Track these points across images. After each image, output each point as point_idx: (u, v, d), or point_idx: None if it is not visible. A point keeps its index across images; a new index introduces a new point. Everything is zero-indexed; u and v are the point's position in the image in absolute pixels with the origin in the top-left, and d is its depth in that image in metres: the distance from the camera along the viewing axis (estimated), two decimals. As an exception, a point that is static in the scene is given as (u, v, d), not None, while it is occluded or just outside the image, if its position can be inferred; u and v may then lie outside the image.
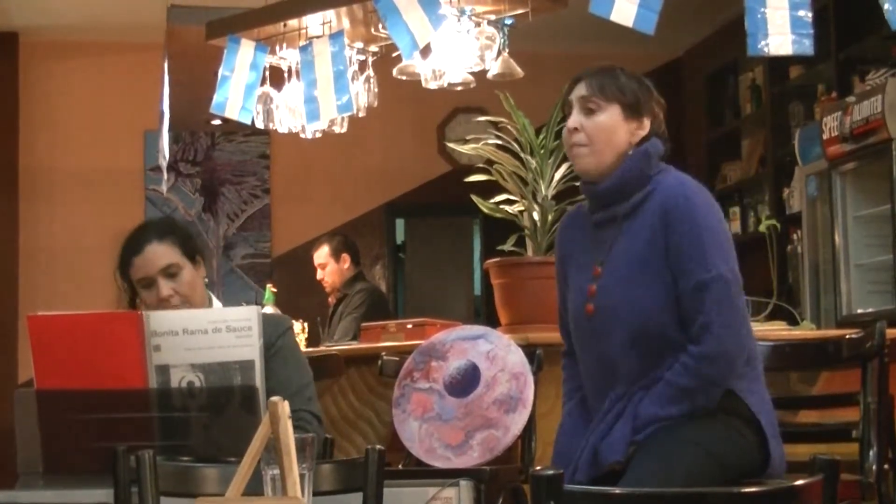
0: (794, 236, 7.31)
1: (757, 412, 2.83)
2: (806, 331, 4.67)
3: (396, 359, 3.64)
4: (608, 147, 2.92)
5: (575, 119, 2.96)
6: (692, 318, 2.78)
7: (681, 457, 2.73)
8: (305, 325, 6.02)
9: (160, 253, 3.05)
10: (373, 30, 5.47)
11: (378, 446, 2.46)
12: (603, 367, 2.89)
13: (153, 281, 3.04)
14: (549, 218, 4.36)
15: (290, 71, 5.65)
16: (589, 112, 2.94)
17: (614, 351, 2.85)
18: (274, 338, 2.98)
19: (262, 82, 5.51)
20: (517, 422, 3.30)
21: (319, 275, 6.82)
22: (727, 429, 2.81)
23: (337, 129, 5.85)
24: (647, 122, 2.95)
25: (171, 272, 3.05)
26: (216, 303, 3.16)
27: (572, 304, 2.99)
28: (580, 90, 2.97)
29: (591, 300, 2.91)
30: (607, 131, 2.93)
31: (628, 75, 2.99)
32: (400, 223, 9.91)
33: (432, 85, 5.47)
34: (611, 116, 2.93)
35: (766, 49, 3.80)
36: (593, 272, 2.92)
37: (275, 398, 1.90)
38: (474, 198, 4.59)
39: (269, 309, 6.10)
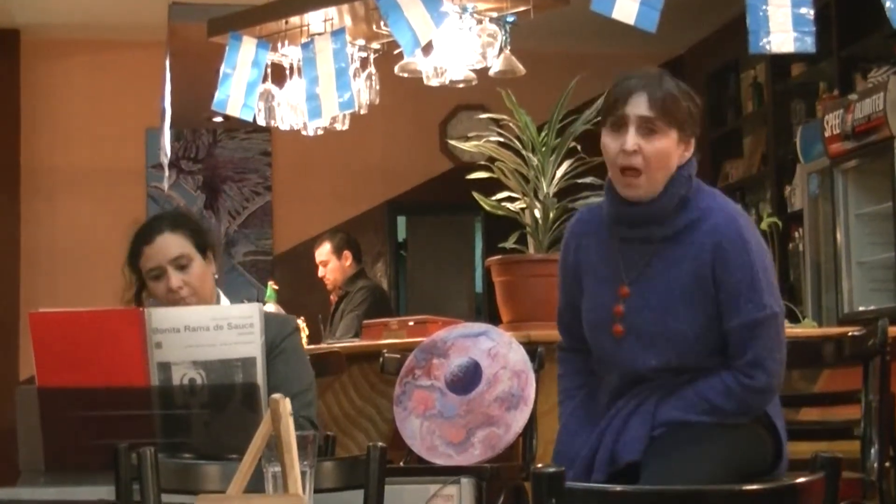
0: (796, 234, 7.31)
1: (774, 417, 2.85)
2: (807, 329, 4.68)
3: (398, 356, 3.64)
4: (662, 172, 2.78)
5: (634, 140, 2.75)
6: (741, 352, 2.75)
7: (694, 456, 2.71)
8: (306, 322, 6.02)
9: (172, 243, 3.02)
10: (374, 27, 5.47)
11: (380, 444, 2.46)
12: (626, 379, 2.85)
13: (163, 271, 3.01)
14: (551, 215, 4.36)
15: (291, 68, 5.66)
16: (649, 133, 2.76)
17: (640, 369, 2.81)
18: (280, 338, 2.96)
19: (264, 79, 5.51)
20: (518, 419, 3.30)
21: (321, 272, 6.81)
22: (746, 431, 2.80)
23: (338, 127, 5.85)
24: (692, 143, 2.84)
25: (181, 263, 3.01)
26: (224, 299, 3.14)
27: (591, 317, 2.90)
28: (640, 107, 2.76)
29: (620, 321, 2.82)
30: (665, 157, 2.78)
31: (677, 86, 2.82)
32: (401, 220, 9.91)
33: (434, 82, 5.47)
34: (670, 141, 2.78)
35: (767, 47, 3.80)
36: (620, 290, 2.83)
37: (276, 395, 1.89)
38: (476, 195, 4.58)
39: (271, 306, 6.11)
